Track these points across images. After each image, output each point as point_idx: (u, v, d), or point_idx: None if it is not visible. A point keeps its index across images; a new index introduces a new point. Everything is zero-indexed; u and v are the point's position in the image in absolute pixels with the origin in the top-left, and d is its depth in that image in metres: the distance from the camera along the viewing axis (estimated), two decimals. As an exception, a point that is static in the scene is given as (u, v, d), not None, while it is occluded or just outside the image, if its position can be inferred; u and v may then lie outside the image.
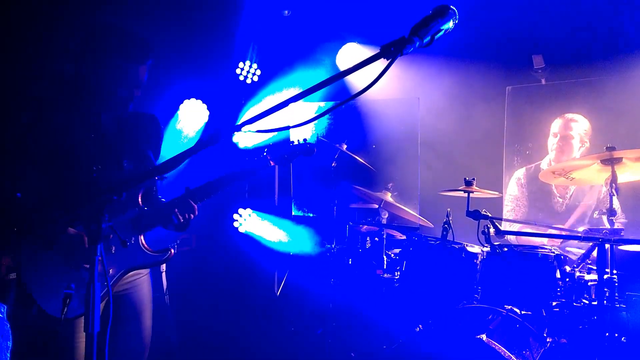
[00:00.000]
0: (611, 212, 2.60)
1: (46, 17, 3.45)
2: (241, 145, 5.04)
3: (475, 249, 2.99)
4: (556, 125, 3.91)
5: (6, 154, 1.98)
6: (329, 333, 3.76)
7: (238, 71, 4.95)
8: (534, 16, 3.96)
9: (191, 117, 4.57)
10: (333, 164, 3.99)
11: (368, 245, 3.90)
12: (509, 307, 2.75)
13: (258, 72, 5.01)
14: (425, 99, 4.42)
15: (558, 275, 2.67)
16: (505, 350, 2.41)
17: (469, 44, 4.08)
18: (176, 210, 2.12)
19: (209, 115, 4.68)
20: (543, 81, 4.13)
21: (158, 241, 2.24)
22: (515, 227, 3.90)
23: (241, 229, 5.02)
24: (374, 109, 4.65)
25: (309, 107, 4.83)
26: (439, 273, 3.01)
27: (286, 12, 4.74)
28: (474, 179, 3.14)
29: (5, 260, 2.99)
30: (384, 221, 4.08)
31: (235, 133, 1.30)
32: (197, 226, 2.42)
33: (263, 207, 5.10)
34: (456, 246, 3.01)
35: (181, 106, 4.55)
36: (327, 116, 4.73)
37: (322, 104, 4.74)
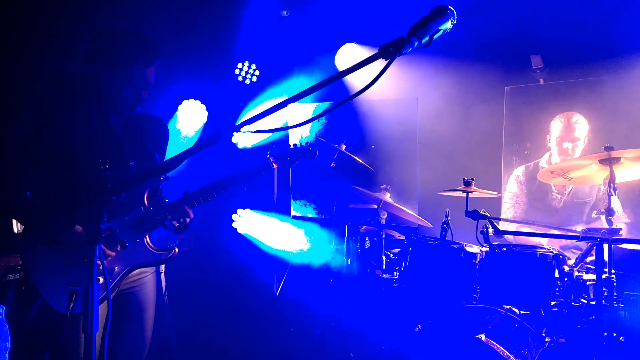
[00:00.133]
0: (609, 212, 2.60)
1: (47, 17, 3.45)
2: (240, 146, 5.05)
3: (474, 248, 2.99)
4: (558, 124, 3.90)
5: (16, 153, 2.00)
6: (328, 333, 3.77)
7: (237, 72, 4.96)
8: (533, 16, 3.97)
9: (190, 118, 4.58)
10: (332, 164, 4.00)
11: (367, 245, 3.90)
12: (508, 306, 2.76)
13: (257, 72, 5.01)
14: (424, 100, 4.43)
15: (557, 274, 2.68)
16: (504, 350, 2.41)
17: (468, 44, 4.09)
18: (169, 216, 2.17)
19: (208, 116, 4.68)
20: (541, 81, 4.14)
21: (162, 240, 2.27)
22: (513, 227, 3.90)
23: (240, 230, 5.02)
24: (373, 109, 4.65)
25: (308, 108, 4.83)
26: (438, 273, 3.02)
27: (285, 12, 4.74)
28: (472, 179, 3.15)
29: (4, 261, 2.99)
30: (383, 221, 4.07)
31: (235, 133, 1.31)
32: (196, 227, 2.43)
33: (262, 205, 5.10)
34: (455, 246, 3.02)
35: (180, 107, 4.55)
36: (325, 116, 4.73)
37: (321, 104, 4.74)
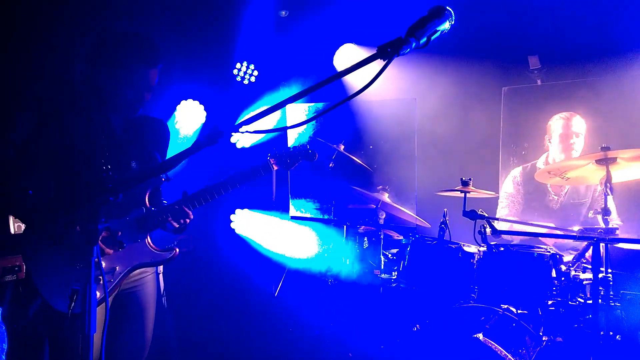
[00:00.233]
0: (606, 212, 2.62)
1: (47, 17, 3.45)
2: (239, 146, 5.05)
3: (471, 248, 3.01)
4: (559, 121, 3.91)
5: (16, 153, 2.01)
6: (327, 333, 3.77)
7: (235, 72, 4.96)
8: (530, 17, 3.98)
9: (188, 118, 4.58)
10: (331, 165, 4.01)
11: (366, 245, 3.91)
12: (506, 306, 2.77)
13: (255, 72, 5.02)
14: (422, 100, 4.44)
15: (554, 274, 2.69)
16: (502, 349, 2.42)
17: (466, 44, 4.09)
18: (170, 217, 2.18)
19: (206, 116, 4.69)
20: (539, 82, 4.15)
21: (161, 240, 2.28)
22: (509, 226, 3.90)
23: (238, 231, 5.03)
24: (371, 110, 4.66)
25: (306, 108, 4.84)
26: (436, 273, 3.03)
27: (283, 12, 4.75)
28: (470, 179, 3.16)
29: (1, 262, 2.99)
30: (382, 221, 4.09)
31: (233, 133, 1.32)
32: (195, 227, 2.44)
33: (260, 204, 5.10)
34: (453, 246, 3.03)
35: (178, 107, 4.55)
36: (324, 117, 4.74)
37: (319, 104, 4.75)
